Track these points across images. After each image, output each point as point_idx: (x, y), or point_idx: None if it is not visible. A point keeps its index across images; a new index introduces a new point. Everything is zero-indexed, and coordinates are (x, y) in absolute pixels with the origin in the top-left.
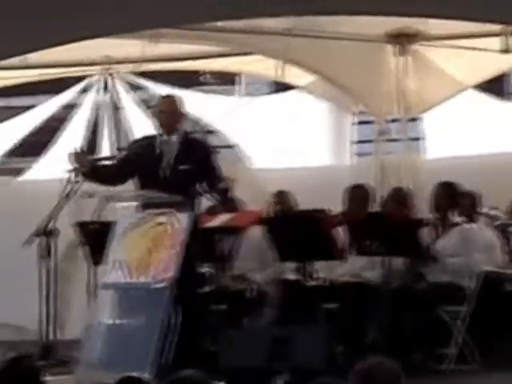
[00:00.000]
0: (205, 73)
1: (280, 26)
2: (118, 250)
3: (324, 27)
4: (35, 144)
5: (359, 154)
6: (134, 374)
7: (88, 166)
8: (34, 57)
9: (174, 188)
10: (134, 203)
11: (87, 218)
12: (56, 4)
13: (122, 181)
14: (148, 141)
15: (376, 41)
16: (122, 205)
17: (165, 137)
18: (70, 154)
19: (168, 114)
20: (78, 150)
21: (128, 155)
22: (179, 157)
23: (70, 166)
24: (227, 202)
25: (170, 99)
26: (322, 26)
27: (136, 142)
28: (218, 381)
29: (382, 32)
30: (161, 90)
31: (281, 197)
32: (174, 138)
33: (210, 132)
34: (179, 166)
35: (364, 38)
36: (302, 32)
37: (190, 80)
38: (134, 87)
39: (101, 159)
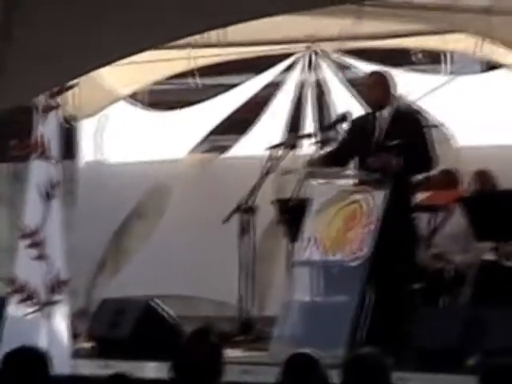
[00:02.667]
0: (416, 51)
1: (480, 4)
2: (313, 227)
3: None
4: (240, 122)
5: None
6: (309, 351)
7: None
8: (233, 35)
9: None
10: (332, 180)
11: (289, 194)
12: None
13: (344, 164)
14: (361, 120)
15: None
16: (320, 182)
17: (375, 113)
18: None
19: (374, 89)
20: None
21: (345, 139)
22: (389, 132)
23: (272, 143)
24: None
25: (376, 75)
26: None
27: (351, 123)
28: (410, 360)
29: None
30: (366, 68)
31: (481, 176)
32: (385, 113)
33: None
34: (388, 141)
35: None
36: (503, 9)
37: (394, 58)
38: (340, 66)
39: (302, 137)
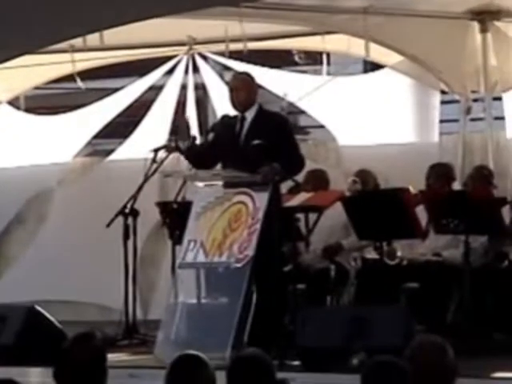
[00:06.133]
0: (297, 52)
1: (358, 5)
2: (196, 229)
3: (403, 4)
4: (123, 125)
5: (445, 133)
6: (195, 353)
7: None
8: (111, 38)
9: (251, 165)
10: (214, 182)
11: (172, 197)
12: None
13: (213, 164)
14: (228, 120)
15: (457, 18)
16: (201, 184)
17: (241, 114)
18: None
19: (240, 91)
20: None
21: (213, 138)
22: (252, 132)
23: (155, 146)
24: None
25: (240, 76)
26: (401, 3)
27: (217, 123)
28: (294, 360)
29: (464, 9)
30: (247, 69)
31: (362, 175)
32: (250, 114)
33: (299, 112)
34: (252, 141)
35: (445, 15)
36: (381, 10)
37: (276, 59)
38: (220, 67)
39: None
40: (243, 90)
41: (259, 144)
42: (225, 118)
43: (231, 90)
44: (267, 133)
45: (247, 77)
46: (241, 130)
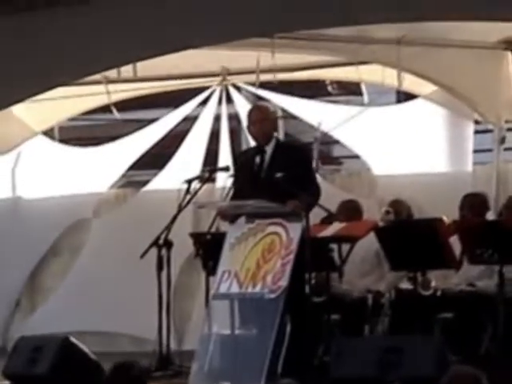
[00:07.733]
0: (331, 83)
1: (392, 35)
2: (229, 260)
3: (437, 35)
4: (157, 156)
5: (478, 163)
6: None
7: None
8: (144, 70)
9: (277, 197)
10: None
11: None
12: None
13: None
14: (248, 154)
15: (491, 48)
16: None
17: (262, 147)
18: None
19: (264, 121)
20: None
21: (235, 182)
22: (273, 164)
23: (189, 177)
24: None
25: (258, 108)
26: (434, 33)
27: (237, 160)
28: None
29: (498, 39)
30: (280, 100)
31: (395, 206)
32: (269, 146)
33: (332, 142)
34: (274, 174)
35: (479, 45)
36: (415, 40)
37: (309, 90)
38: (253, 98)
39: (217, 170)
40: (267, 120)
41: (282, 176)
42: (246, 152)
43: (254, 122)
44: (288, 164)
45: (266, 109)
46: (261, 163)
